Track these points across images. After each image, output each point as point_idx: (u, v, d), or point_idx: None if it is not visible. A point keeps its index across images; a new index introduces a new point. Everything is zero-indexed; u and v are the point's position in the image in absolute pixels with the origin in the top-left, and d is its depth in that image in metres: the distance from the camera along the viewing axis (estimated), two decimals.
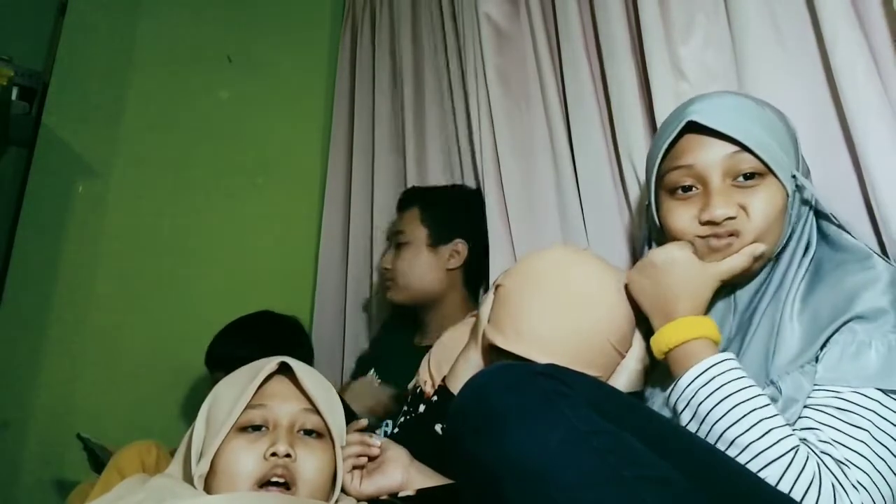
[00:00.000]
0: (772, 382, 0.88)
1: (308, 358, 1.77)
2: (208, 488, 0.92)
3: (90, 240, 2.01)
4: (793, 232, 0.95)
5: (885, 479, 0.78)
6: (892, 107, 1.00)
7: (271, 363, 0.98)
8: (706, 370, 0.85)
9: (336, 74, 2.32)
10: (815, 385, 0.85)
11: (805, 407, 0.85)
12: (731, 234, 0.92)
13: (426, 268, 1.60)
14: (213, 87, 2.22)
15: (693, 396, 0.85)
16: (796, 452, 0.79)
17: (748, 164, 0.92)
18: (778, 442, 0.79)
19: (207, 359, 1.71)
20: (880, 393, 0.81)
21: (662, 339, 0.91)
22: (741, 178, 0.93)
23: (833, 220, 0.97)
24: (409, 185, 1.89)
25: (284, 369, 1.00)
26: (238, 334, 1.69)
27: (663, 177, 0.99)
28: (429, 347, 1.55)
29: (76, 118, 2.03)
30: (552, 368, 0.79)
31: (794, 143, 0.97)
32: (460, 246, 1.61)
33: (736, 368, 0.86)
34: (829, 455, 0.79)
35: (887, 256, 0.97)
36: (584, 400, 0.75)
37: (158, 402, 1.98)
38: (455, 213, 1.64)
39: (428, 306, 1.62)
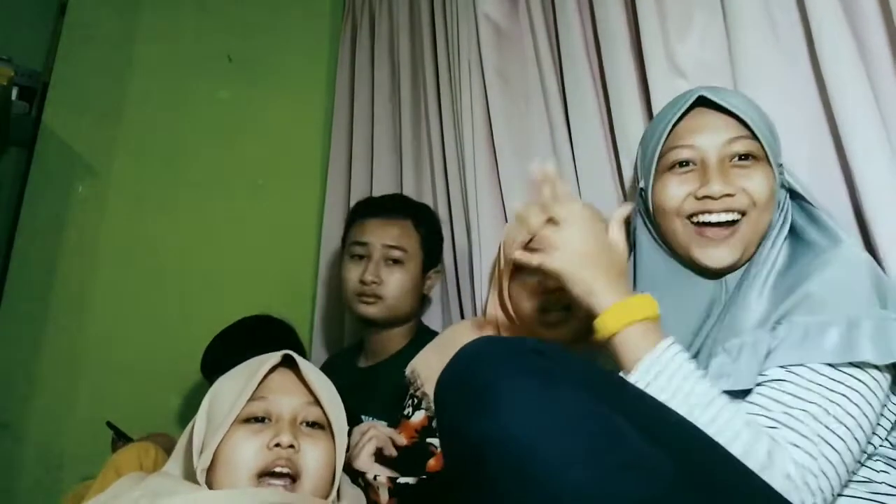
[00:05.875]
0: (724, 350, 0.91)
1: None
2: (210, 482, 0.92)
3: (90, 240, 2.01)
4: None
5: (831, 443, 0.79)
6: (881, 109, 1.01)
7: (275, 356, 0.99)
8: (647, 370, 0.85)
9: (336, 74, 2.32)
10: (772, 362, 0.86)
11: (758, 385, 0.86)
12: (727, 210, 0.96)
13: (414, 291, 1.56)
14: (213, 87, 2.23)
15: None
16: (747, 427, 0.80)
17: (746, 146, 0.97)
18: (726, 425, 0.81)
19: (203, 367, 1.68)
20: (830, 368, 0.82)
21: (602, 328, 0.90)
22: (737, 159, 0.97)
23: (812, 204, 0.99)
24: (407, 186, 1.89)
25: (286, 364, 1.00)
26: (230, 341, 1.65)
27: (662, 157, 1.01)
28: (372, 369, 1.56)
29: (76, 118, 2.03)
30: (545, 346, 0.77)
31: (778, 138, 1.02)
32: (438, 275, 1.62)
33: (673, 362, 0.85)
34: (775, 421, 0.81)
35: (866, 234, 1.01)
36: (577, 380, 0.74)
37: (158, 403, 1.98)
38: (440, 240, 1.64)
39: (388, 326, 1.57)
